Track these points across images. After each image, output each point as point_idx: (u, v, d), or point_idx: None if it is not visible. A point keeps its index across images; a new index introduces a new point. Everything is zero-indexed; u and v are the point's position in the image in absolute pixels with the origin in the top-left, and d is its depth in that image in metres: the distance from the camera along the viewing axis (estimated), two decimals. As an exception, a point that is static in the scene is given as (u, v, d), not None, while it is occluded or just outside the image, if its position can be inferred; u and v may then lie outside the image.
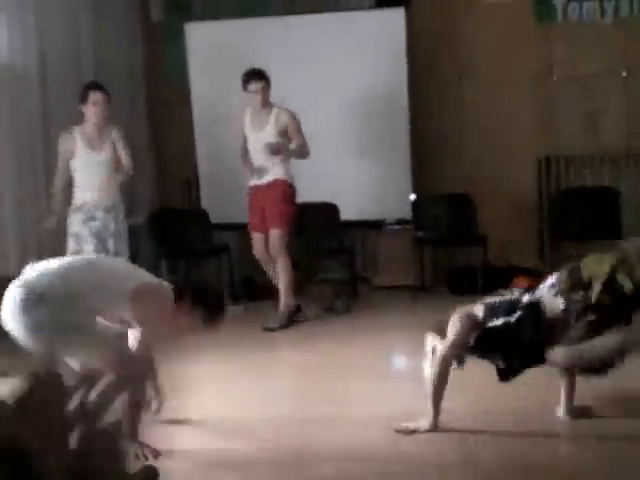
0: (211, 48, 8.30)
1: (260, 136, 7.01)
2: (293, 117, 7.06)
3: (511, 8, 8.48)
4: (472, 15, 8.53)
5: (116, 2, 8.46)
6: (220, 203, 8.27)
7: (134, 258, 6.69)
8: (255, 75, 6.97)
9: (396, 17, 8.17)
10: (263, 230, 7.10)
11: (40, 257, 6.25)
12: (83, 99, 6.52)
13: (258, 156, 7.05)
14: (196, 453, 4.26)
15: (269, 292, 7.51)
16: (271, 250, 7.08)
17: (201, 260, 8.32)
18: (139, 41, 8.85)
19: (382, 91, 8.20)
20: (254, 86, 6.95)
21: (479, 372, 4.38)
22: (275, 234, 7.05)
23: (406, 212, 8.22)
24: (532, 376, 4.28)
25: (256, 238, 7.15)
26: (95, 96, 6.51)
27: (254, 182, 7.11)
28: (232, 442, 4.38)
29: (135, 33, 8.80)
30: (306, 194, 7.70)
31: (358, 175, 8.25)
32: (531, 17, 8.50)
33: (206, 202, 8.46)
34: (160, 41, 8.94)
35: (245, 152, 7.15)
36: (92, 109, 6.51)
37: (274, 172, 7.06)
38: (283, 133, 7.03)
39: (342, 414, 4.73)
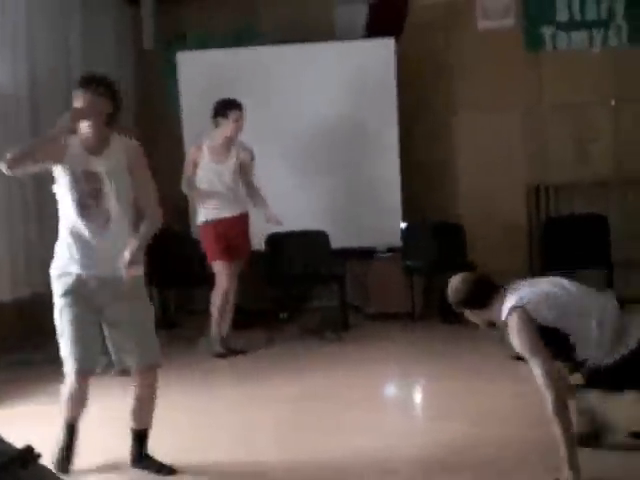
0: (203, 77, 8.30)
1: (223, 168, 6.94)
2: (252, 156, 7.07)
3: (501, 37, 8.56)
4: (462, 44, 8.60)
5: (107, 29, 8.50)
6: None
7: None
8: (237, 105, 6.90)
9: (386, 47, 8.23)
10: (231, 260, 7.04)
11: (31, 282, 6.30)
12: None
13: (220, 187, 6.94)
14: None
15: (259, 320, 7.52)
16: (234, 278, 7.05)
17: (192, 288, 8.29)
18: (131, 68, 8.90)
19: (372, 120, 8.26)
20: (236, 115, 6.88)
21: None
22: (243, 263, 7.09)
23: (396, 240, 8.24)
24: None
25: (228, 269, 7.01)
26: None
27: (221, 215, 6.95)
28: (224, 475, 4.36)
29: (127, 60, 8.84)
30: (297, 222, 7.73)
31: (348, 203, 8.27)
32: (521, 46, 8.58)
33: (196, 229, 8.43)
34: (152, 69, 8.97)
35: (192, 183, 6.99)
36: None
37: (242, 205, 7.05)
38: (240, 168, 7.01)
39: (330, 445, 4.71)
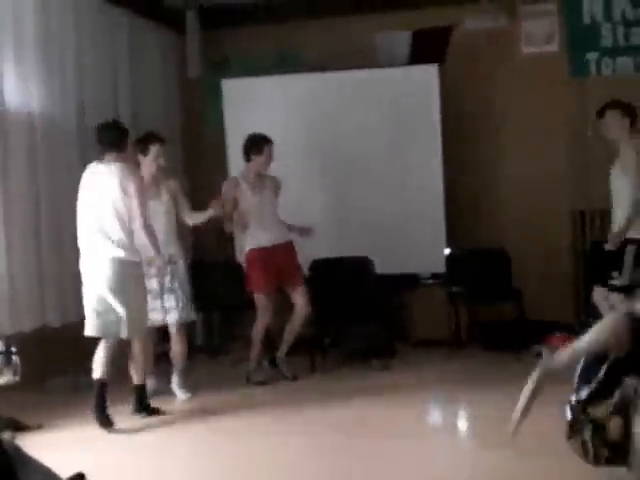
0: (247, 103, 8.38)
1: (262, 199, 7.06)
2: (280, 186, 7.23)
3: (545, 62, 8.55)
4: (506, 71, 8.59)
5: (154, 58, 8.62)
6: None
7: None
8: (269, 140, 7.04)
9: (430, 74, 8.24)
10: (273, 290, 7.11)
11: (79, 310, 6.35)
12: (144, 150, 6.59)
13: (263, 217, 7.05)
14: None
15: (302, 345, 7.50)
16: (303, 305, 7.10)
17: (235, 314, 8.32)
18: (176, 96, 9.01)
19: (416, 146, 8.27)
20: (269, 149, 7.03)
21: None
22: (303, 289, 7.14)
23: (440, 267, 8.23)
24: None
25: (268, 300, 7.08)
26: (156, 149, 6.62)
27: (265, 243, 7.05)
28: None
29: (172, 88, 8.96)
30: (341, 250, 7.77)
31: (392, 229, 8.25)
32: (565, 72, 8.54)
33: (240, 255, 8.46)
34: (197, 96, 9.08)
35: (231, 217, 7.08)
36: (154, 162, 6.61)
37: (286, 233, 7.17)
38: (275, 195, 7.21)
39: (375, 474, 4.69)
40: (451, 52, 8.59)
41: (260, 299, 7.05)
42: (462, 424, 6.18)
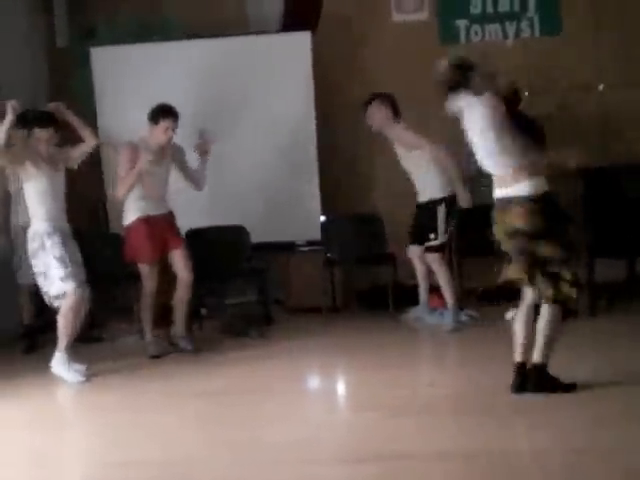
0: (117, 72, 8.24)
1: (160, 170, 6.97)
2: (184, 153, 7.16)
3: (415, 30, 8.62)
4: (379, 38, 8.65)
5: (19, 27, 8.36)
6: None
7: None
8: (174, 114, 6.87)
9: (302, 41, 8.26)
10: (159, 260, 7.01)
11: None
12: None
13: (157, 188, 6.99)
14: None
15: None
16: (185, 268, 7.01)
17: (112, 286, 8.18)
18: (44, 66, 8.77)
19: (289, 114, 8.29)
20: (172, 124, 6.87)
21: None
22: (185, 253, 7.04)
23: (316, 234, 8.28)
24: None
25: (154, 271, 6.98)
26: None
27: (149, 213, 6.97)
28: (141, 472, 4.33)
29: (40, 58, 8.71)
30: (216, 218, 7.74)
31: (267, 198, 8.27)
32: (435, 39, 8.65)
33: (115, 225, 8.33)
34: (66, 66, 8.84)
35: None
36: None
37: (168, 205, 7.11)
38: (178, 167, 7.15)
39: (250, 437, 4.70)
40: (323, 20, 8.59)
41: (144, 268, 6.96)
42: (337, 388, 6.26)
